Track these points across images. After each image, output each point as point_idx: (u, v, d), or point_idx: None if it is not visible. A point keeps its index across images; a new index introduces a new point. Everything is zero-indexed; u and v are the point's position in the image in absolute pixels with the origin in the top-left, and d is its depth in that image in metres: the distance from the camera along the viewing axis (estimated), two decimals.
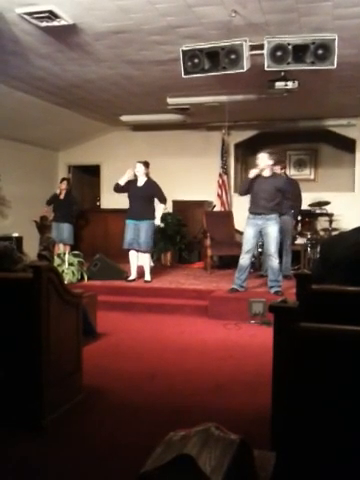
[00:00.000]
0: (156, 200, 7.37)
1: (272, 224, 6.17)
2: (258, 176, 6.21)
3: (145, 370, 4.17)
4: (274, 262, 6.22)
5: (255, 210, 6.21)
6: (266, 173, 6.21)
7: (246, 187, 6.33)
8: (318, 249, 3.04)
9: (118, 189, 7.30)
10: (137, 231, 7.16)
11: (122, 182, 7.22)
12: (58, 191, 9.16)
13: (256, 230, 6.22)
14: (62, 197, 9.10)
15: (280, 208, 6.32)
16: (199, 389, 3.73)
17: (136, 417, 3.22)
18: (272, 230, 6.16)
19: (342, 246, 2.96)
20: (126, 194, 7.30)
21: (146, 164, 7.28)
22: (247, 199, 6.44)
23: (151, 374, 4.08)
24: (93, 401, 3.47)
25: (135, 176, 7.29)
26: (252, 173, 6.21)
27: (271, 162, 6.24)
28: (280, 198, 6.25)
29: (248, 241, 6.25)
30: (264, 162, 6.19)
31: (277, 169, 7.55)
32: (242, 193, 6.52)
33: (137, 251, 7.27)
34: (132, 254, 7.31)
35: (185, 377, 4.01)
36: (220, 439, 1.07)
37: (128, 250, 7.28)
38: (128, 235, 7.20)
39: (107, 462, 2.64)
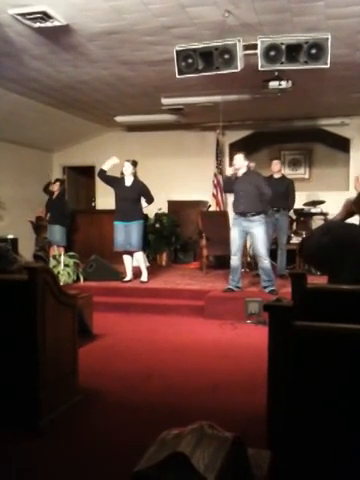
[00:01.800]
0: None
1: (256, 225, 6.16)
2: (231, 175, 6.34)
3: (142, 370, 4.17)
4: (264, 263, 6.23)
5: (238, 210, 6.26)
6: (241, 172, 6.28)
7: (229, 187, 6.49)
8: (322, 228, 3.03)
9: (102, 176, 7.27)
10: (128, 232, 7.15)
11: (106, 167, 7.19)
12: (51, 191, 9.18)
13: (241, 231, 6.25)
14: (54, 198, 9.10)
15: (262, 207, 6.27)
16: (196, 389, 3.74)
17: (134, 417, 3.23)
18: (257, 231, 6.16)
19: (355, 235, 2.94)
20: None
21: (134, 163, 7.26)
22: None
23: (148, 374, 4.08)
24: (91, 401, 3.48)
25: (122, 174, 7.26)
26: (229, 171, 6.53)
27: (246, 162, 6.31)
28: (260, 196, 6.23)
29: (235, 242, 6.30)
30: (240, 162, 6.26)
31: (277, 165, 7.60)
32: (227, 191, 6.75)
33: (130, 253, 7.27)
34: (126, 256, 7.31)
35: (182, 377, 4.02)
36: (214, 437, 1.07)
37: (121, 252, 7.28)
38: (119, 237, 7.19)
39: (105, 462, 2.64)
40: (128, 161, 7.27)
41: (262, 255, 6.21)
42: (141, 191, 7.25)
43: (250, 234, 6.27)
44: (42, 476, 2.54)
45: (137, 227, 7.18)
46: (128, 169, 7.20)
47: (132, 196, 7.17)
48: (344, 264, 2.89)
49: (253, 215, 6.15)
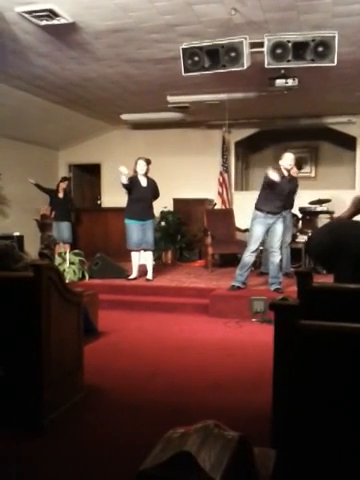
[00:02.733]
0: None
1: (280, 221, 6.31)
2: (282, 177, 6.16)
3: (145, 369, 4.17)
4: (276, 258, 6.29)
5: (272, 210, 6.22)
6: (286, 174, 6.28)
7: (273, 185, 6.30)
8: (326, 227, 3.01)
9: (125, 187, 7.18)
10: (144, 231, 7.18)
11: (125, 181, 7.04)
12: (55, 188, 9.24)
13: (266, 228, 6.29)
14: (61, 196, 9.16)
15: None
16: (199, 387, 3.73)
17: (136, 416, 3.22)
18: (279, 227, 6.28)
19: (355, 234, 2.92)
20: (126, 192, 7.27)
21: (148, 161, 7.19)
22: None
23: (151, 372, 4.08)
24: (93, 400, 3.47)
25: (135, 172, 7.21)
26: (274, 176, 5.92)
27: (293, 163, 6.32)
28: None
29: (257, 239, 6.30)
30: (292, 163, 6.27)
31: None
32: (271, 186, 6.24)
33: (144, 250, 7.28)
34: (135, 253, 7.31)
35: (185, 375, 4.02)
36: (219, 436, 1.07)
37: (130, 250, 7.28)
38: (134, 236, 7.18)
39: (107, 461, 2.63)
40: (142, 159, 7.18)
41: (276, 249, 6.30)
42: (155, 190, 7.29)
43: (271, 229, 6.31)
44: (42, 476, 2.52)
45: (152, 226, 7.27)
46: (143, 168, 7.14)
47: (149, 196, 7.20)
48: (345, 263, 2.87)
49: (281, 213, 6.32)
